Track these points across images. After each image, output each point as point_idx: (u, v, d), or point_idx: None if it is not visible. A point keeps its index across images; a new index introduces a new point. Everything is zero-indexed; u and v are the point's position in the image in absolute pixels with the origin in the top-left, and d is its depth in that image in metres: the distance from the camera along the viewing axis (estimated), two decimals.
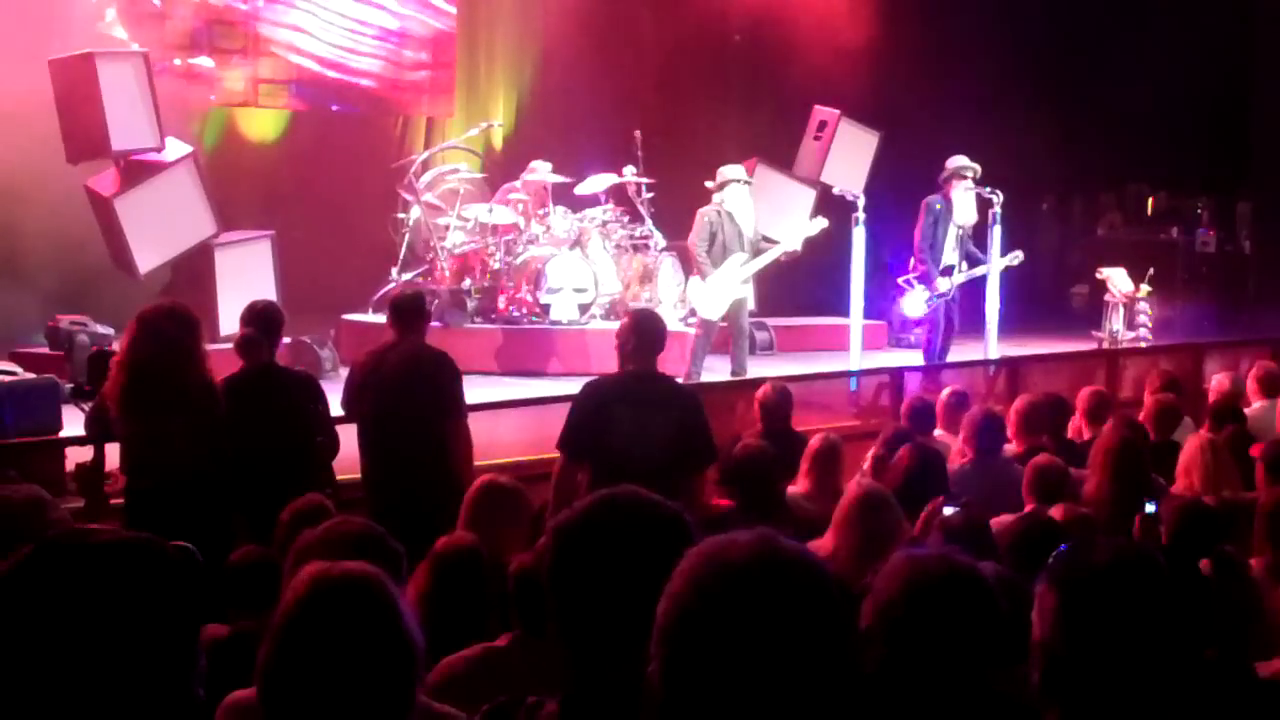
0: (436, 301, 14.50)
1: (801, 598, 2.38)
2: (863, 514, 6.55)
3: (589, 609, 2.86)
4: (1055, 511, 7.08)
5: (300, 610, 3.04)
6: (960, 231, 14.86)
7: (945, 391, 10.66)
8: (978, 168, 14.86)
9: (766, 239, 14.59)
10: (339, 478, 8.96)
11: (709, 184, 14.11)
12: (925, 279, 14.75)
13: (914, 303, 14.97)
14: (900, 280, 15.10)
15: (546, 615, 2.96)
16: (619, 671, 2.64)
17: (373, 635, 3.00)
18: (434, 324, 9.71)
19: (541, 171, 16.23)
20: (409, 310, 8.91)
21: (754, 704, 2.33)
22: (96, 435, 8.47)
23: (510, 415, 10.74)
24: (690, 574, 2.41)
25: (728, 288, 13.81)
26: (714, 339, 14.12)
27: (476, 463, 8.70)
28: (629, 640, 2.46)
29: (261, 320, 8.74)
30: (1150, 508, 6.58)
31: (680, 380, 13.78)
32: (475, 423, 8.99)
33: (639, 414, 7.77)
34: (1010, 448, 9.29)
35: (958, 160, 14.86)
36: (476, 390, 11.04)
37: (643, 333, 8.06)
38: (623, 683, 2.54)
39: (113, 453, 8.40)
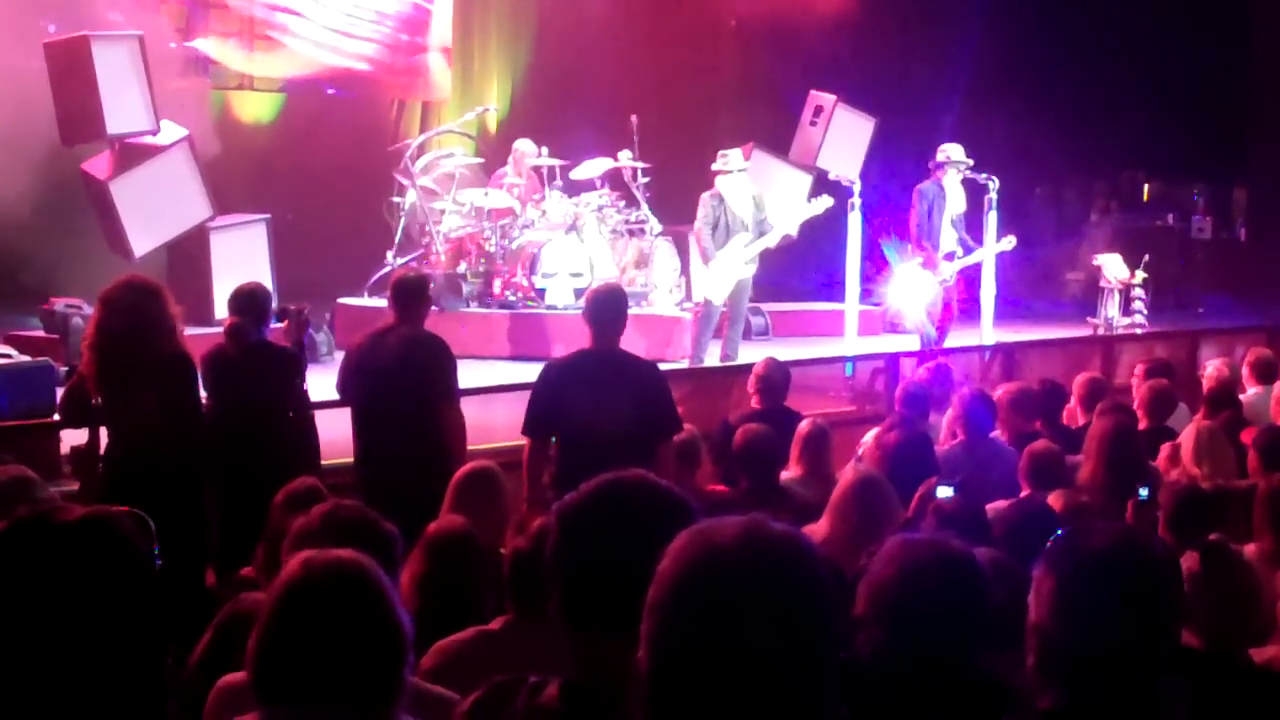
0: (432, 286, 14.51)
1: (789, 580, 2.38)
2: (859, 499, 6.56)
3: (592, 592, 2.86)
4: (1052, 498, 7.09)
5: (290, 597, 3.08)
6: (954, 216, 14.85)
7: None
8: (970, 162, 14.83)
9: (768, 222, 14.61)
10: (334, 461, 8.99)
11: (714, 166, 14.12)
12: (929, 265, 14.71)
13: (913, 289, 14.90)
14: (902, 267, 15.04)
15: (546, 598, 2.97)
16: (621, 655, 2.64)
17: (361, 621, 3.06)
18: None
19: (528, 152, 16.22)
20: (411, 294, 8.91)
21: (741, 685, 2.33)
22: (71, 416, 8.45)
23: (504, 399, 10.73)
24: (679, 556, 2.41)
25: (731, 269, 13.84)
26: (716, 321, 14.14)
27: (470, 447, 8.72)
28: (631, 624, 2.46)
29: (247, 306, 8.81)
30: (1144, 493, 6.58)
31: (687, 363, 13.91)
32: (469, 407, 9.00)
33: (596, 390, 7.89)
34: (996, 435, 9.26)
35: (952, 152, 14.81)
36: (471, 374, 11.04)
37: (597, 310, 8.17)
38: (624, 666, 2.54)
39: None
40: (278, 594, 3.13)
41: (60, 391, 10.32)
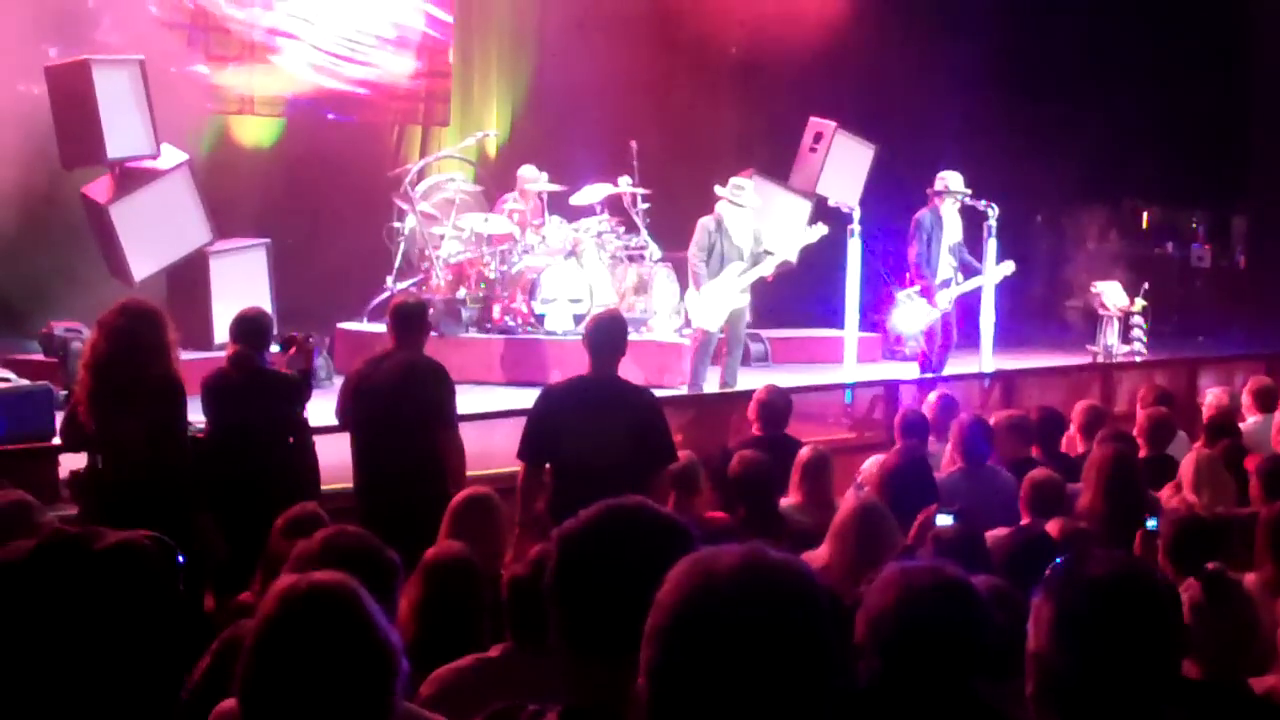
0: (432, 311, 14.51)
1: (788, 608, 2.38)
2: (859, 526, 6.56)
3: (592, 618, 2.86)
4: (1051, 526, 7.08)
5: (272, 624, 3.08)
6: (951, 244, 14.87)
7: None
8: (969, 191, 14.85)
9: (765, 251, 14.61)
10: (333, 486, 8.98)
11: (722, 191, 14.09)
12: (927, 293, 14.74)
13: (910, 317, 14.94)
14: (901, 295, 15.07)
15: (545, 625, 2.96)
16: (620, 682, 2.64)
17: (345, 645, 3.05)
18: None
19: (532, 178, 16.25)
20: (410, 319, 8.90)
21: (740, 713, 2.33)
22: (71, 441, 8.44)
23: (503, 425, 10.73)
24: (678, 583, 2.41)
25: (725, 297, 13.82)
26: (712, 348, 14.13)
27: (469, 473, 8.71)
28: (631, 651, 2.46)
29: (250, 333, 8.85)
30: (1151, 523, 6.55)
31: (686, 389, 13.90)
32: (468, 433, 8.99)
33: (592, 417, 7.91)
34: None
35: (951, 180, 14.83)
36: (470, 400, 11.04)
37: (597, 337, 8.16)
38: (624, 694, 2.54)
39: None
40: (260, 621, 3.13)
41: (60, 415, 10.37)
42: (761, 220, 14.74)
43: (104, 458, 8.00)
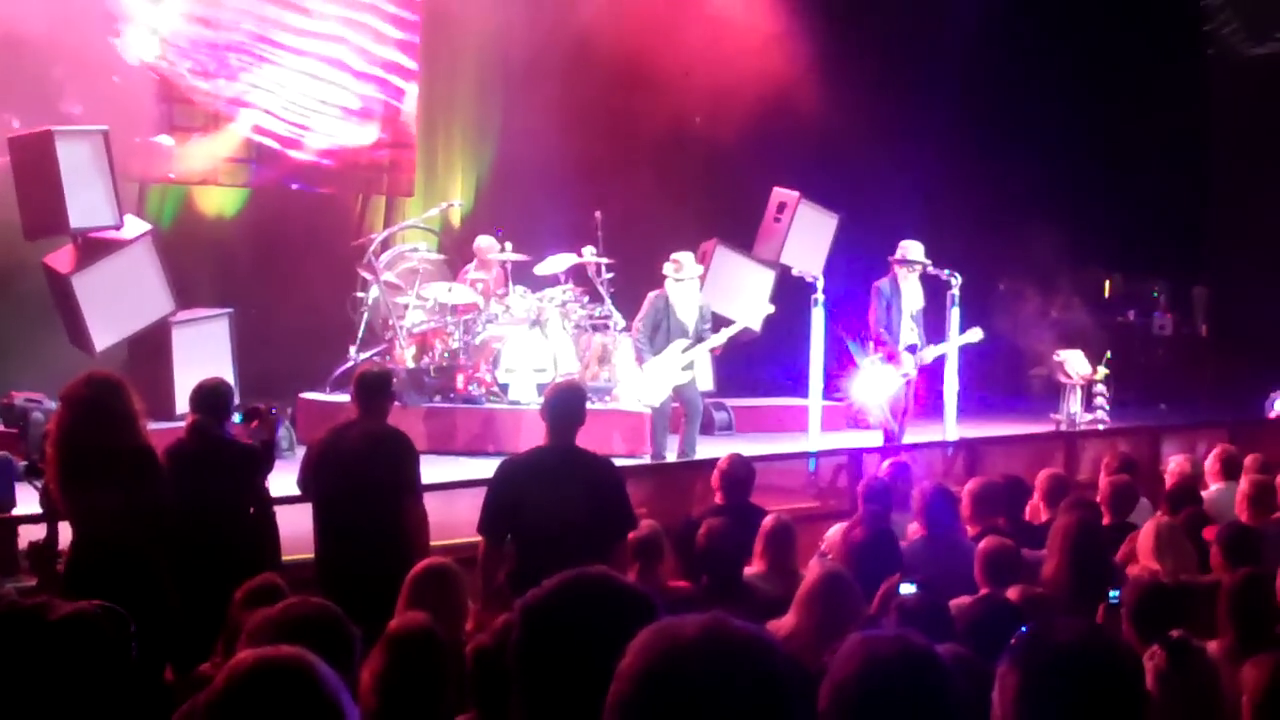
0: (395, 381, 14.49)
1: (751, 678, 2.36)
2: (824, 595, 6.54)
3: (555, 689, 2.84)
4: (1013, 594, 7.07)
5: (220, 701, 3.03)
6: (913, 312, 14.90)
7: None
8: (928, 261, 14.87)
9: (720, 317, 14.65)
10: (295, 557, 8.93)
11: (666, 270, 14.15)
12: (891, 359, 14.75)
13: (874, 385, 14.93)
14: (864, 361, 15.08)
15: (508, 696, 2.94)
16: None
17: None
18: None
19: (489, 247, 16.30)
20: (373, 388, 8.89)
21: None
22: (47, 513, 8.41)
23: (466, 495, 10.69)
24: (641, 653, 2.40)
25: (667, 374, 13.88)
26: (669, 417, 14.17)
27: (433, 543, 8.67)
28: None
29: (210, 403, 8.82)
30: (1114, 595, 6.55)
31: (649, 459, 13.91)
32: (431, 503, 8.95)
33: (552, 488, 7.89)
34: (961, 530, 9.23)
35: (911, 250, 14.86)
36: (433, 470, 10.99)
37: (555, 407, 8.16)
38: None
39: (66, 531, 8.33)
40: (208, 698, 3.08)
41: (19, 486, 10.31)
42: (725, 290, 14.78)
43: (77, 530, 7.92)
